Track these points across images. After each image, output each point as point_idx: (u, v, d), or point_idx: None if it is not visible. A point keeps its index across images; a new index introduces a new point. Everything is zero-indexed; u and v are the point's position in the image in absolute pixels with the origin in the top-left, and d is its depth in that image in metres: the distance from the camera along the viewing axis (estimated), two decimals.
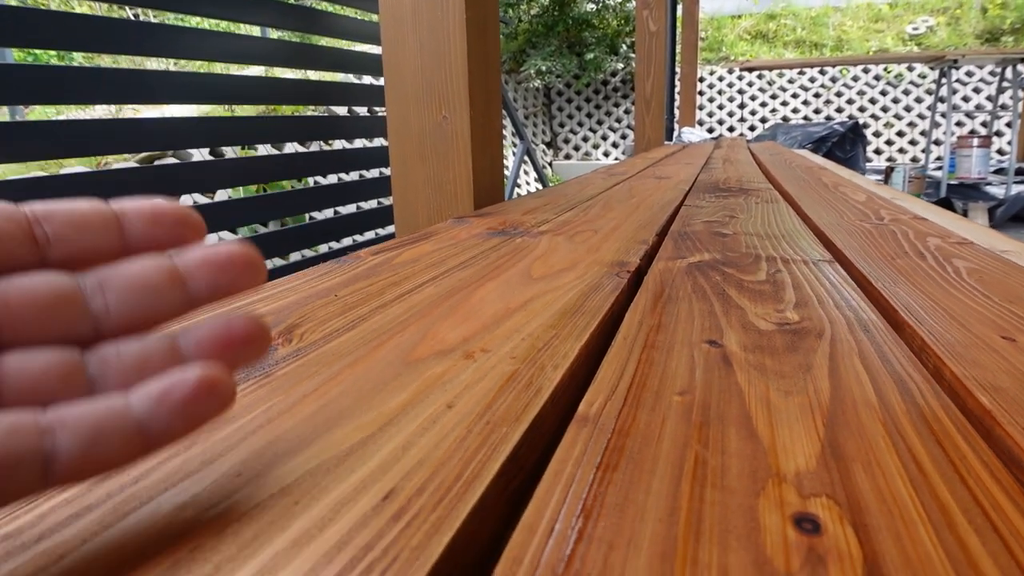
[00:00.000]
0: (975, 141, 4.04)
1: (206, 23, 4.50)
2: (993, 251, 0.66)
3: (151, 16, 5.11)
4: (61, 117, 3.52)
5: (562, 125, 7.84)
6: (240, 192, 3.13)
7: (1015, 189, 3.85)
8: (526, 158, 4.10)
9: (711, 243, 0.62)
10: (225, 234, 3.03)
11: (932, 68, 6.29)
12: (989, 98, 6.43)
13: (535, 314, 0.39)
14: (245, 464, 0.23)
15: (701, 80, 7.47)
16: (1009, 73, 4.23)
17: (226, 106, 3.54)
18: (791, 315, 0.39)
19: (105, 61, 4.32)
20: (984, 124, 6.39)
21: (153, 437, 0.17)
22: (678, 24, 5.51)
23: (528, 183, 6.21)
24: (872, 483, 0.21)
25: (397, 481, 0.21)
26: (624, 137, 7.59)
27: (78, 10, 4.70)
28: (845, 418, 0.26)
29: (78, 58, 4.45)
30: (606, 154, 7.65)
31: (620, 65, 7.54)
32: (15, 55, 3.84)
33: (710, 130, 7.35)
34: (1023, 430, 0.26)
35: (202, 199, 3.06)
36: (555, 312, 0.39)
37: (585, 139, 7.77)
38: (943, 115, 4.29)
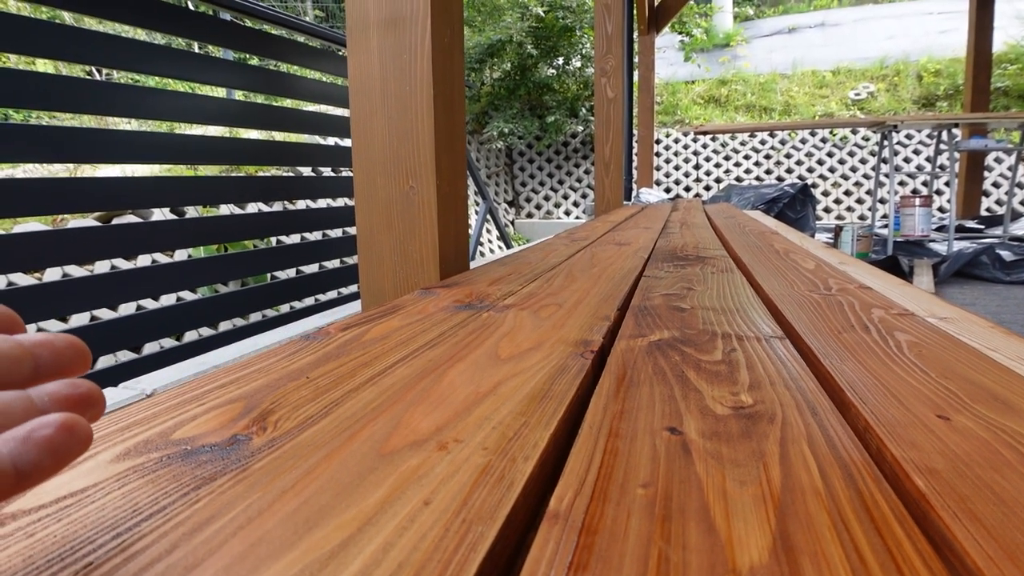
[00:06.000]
0: (917, 200, 4.25)
1: (178, 84, 4.53)
2: (933, 320, 0.70)
3: (115, 75, 5.12)
4: (19, 174, 3.46)
5: (524, 184, 8.00)
6: (201, 251, 3.10)
7: (956, 245, 4.04)
8: (489, 217, 4.17)
9: (670, 319, 0.64)
10: (185, 294, 2.99)
11: (874, 132, 6.65)
12: (928, 159, 6.80)
13: (504, 399, 0.41)
14: (229, 570, 0.24)
15: (658, 142, 7.75)
16: (945, 136, 4.50)
17: (188, 165, 3.54)
18: (745, 398, 0.41)
19: (66, 118, 4.29)
20: (925, 184, 6.74)
21: (24, 474, 0.20)
22: (635, 90, 5.73)
23: (491, 241, 6.29)
24: None
25: None
26: (584, 196, 7.77)
27: (40, 68, 4.69)
28: (795, 508, 0.28)
29: (39, 114, 4.42)
30: (567, 212, 7.80)
31: (580, 127, 7.79)
32: None
33: (667, 190, 7.58)
34: (954, 514, 0.29)
35: (162, 258, 3.03)
36: (524, 397, 0.41)
37: (547, 198, 7.93)
38: (886, 175, 4.52)
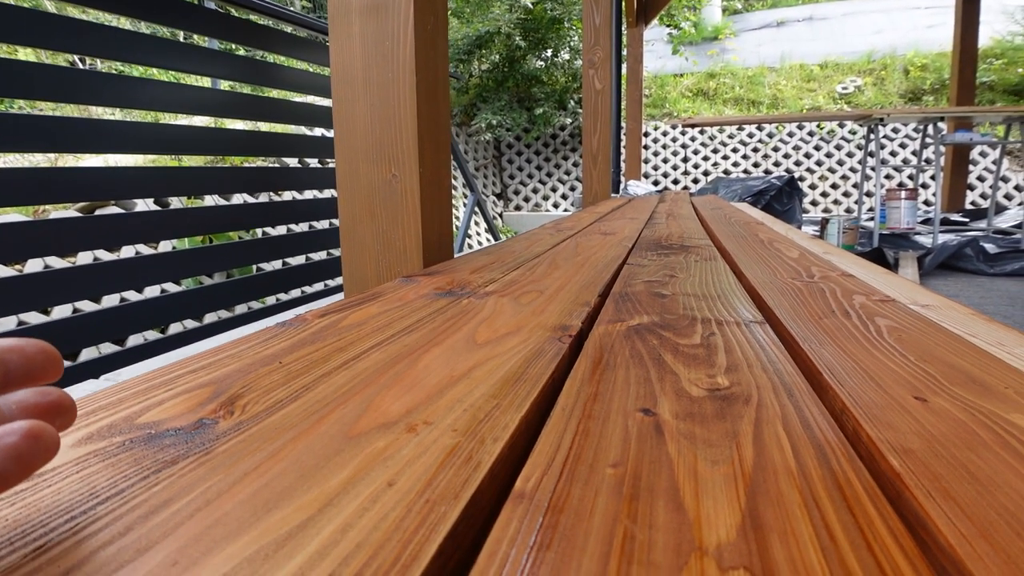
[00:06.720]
0: (903, 193, 4.27)
1: (162, 74, 4.48)
2: (915, 307, 0.70)
3: (98, 64, 5.05)
4: None
5: (512, 177, 7.98)
6: (185, 243, 3.07)
7: (941, 238, 4.07)
8: (477, 209, 4.16)
9: (650, 305, 0.64)
10: (169, 286, 2.96)
11: (861, 125, 6.68)
12: (914, 153, 6.84)
13: (478, 382, 0.40)
14: (182, 552, 0.23)
15: (646, 135, 7.75)
16: (931, 130, 4.53)
17: (172, 156, 3.50)
18: (721, 380, 0.41)
19: (47, 107, 4.23)
20: (911, 177, 6.78)
21: None
22: (623, 82, 5.72)
23: (479, 233, 6.27)
24: (787, 553, 0.23)
25: (335, 567, 0.21)
26: (573, 189, 7.76)
27: (21, 56, 4.61)
28: (766, 487, 0.27)
29: (20, 103, 4.35)
30: (555, 205, 7.80)
31: (568, 120, 7.78)
32: None
33: (655, 183, 7.58)
34: (928, 493, 0.28)
35: (146, 250, 2.99)
36: (498, 380, 0.41)
37: (535, 190, 7.92)
38: (872, 169, 4.55)
